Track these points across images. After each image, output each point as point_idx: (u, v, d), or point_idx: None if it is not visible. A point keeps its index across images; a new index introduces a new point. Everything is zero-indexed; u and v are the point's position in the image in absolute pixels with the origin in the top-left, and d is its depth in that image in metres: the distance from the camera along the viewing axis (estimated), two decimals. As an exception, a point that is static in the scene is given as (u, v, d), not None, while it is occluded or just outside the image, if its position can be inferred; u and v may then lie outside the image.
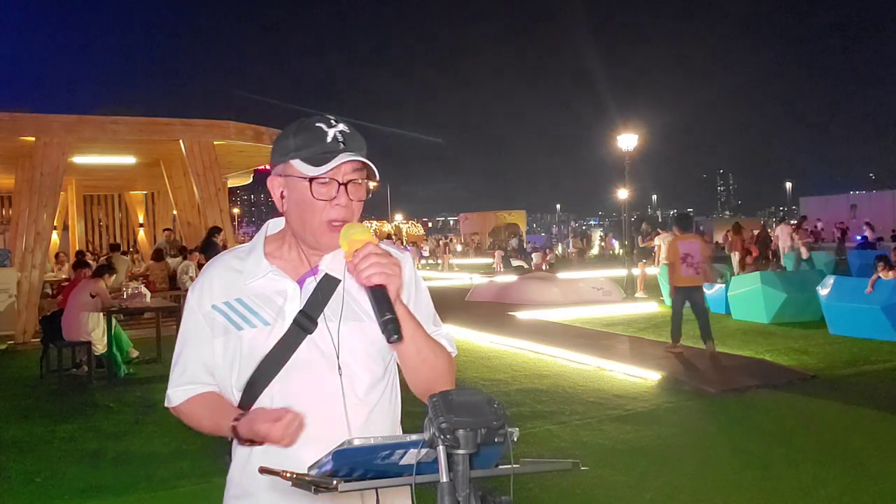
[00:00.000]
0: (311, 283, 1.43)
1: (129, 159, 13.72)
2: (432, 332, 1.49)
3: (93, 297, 7.81)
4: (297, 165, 1.39)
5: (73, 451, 5.30)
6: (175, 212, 15.31)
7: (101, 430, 5.84)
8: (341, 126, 1.41)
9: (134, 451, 5.24)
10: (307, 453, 1.33)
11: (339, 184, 1.38)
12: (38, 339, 8.88)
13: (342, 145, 1.38)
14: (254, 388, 1.40)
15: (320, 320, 1.40)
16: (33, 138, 10.50)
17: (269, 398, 1.40)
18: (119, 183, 18.15)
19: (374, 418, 1.43)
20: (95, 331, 7.84)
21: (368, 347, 1.43)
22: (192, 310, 1.48)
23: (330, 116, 1.42)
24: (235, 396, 1.44)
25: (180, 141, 11.59)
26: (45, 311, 9.43)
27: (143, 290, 8.95)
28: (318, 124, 1.40)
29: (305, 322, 1.39)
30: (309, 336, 1.39)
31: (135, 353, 8.57)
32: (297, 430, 1.32)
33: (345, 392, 1.39)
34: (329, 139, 1.38)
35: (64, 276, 13.37)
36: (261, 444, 1.38)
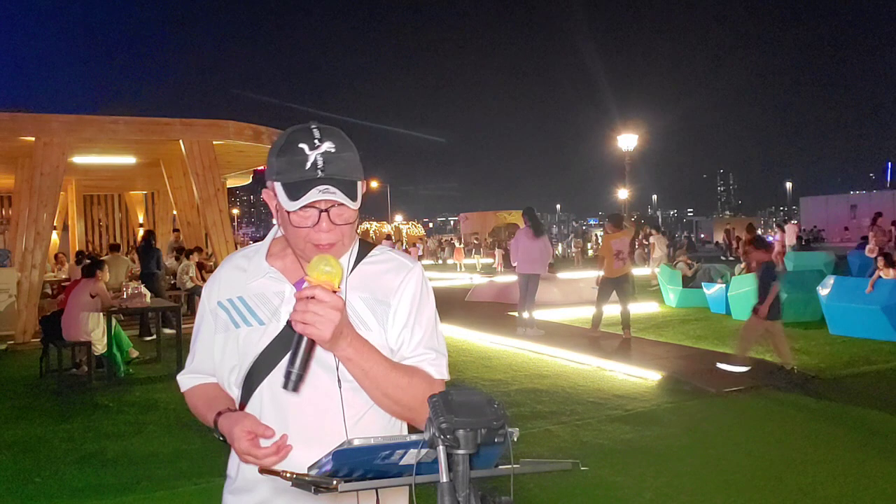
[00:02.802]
0: None
1: (128, 159, 13.71)
2: (419, 355, 1.44)
3: (93, 297, 7.81)
4: (278, 191, 1.35)
5: (73, 451, 5.29)
6: (175, 212, 15.33)
7: (101, 430, 5.83)
8: (325, 146, 1.33)
9: (134, 451, 5.23)
10: (301, 452, 1.34)
11: (321, 211, 1.35)
12: (38, 339, 8.87)
13: (320, 172, 1.31)
14: (249, 386, 1.42)
15: None
16: (33, 138, 10.49)
17: (260, 397, 1.41)
18: (119, 183, 18.17)
19: (368, 419, 1.43)
20: (95, 331, 7.84)
21: None
22: (203, 304, 1.54)
23: (316, 132, 1.34)
24: (235, 393, 1.46)
25: (180, 141, 11.60)
26: (45, 311, 9.42)
27: (143, 290, 8.95)
28: (300, 144, 1.33)
29: None
30: None
31: (135, 353, 8.57)
32: (268, 454, 1.31)
33: (343, 394, 1.38)
34: (308, 165, 1.32)
35: (64, 276, 13.38)
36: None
